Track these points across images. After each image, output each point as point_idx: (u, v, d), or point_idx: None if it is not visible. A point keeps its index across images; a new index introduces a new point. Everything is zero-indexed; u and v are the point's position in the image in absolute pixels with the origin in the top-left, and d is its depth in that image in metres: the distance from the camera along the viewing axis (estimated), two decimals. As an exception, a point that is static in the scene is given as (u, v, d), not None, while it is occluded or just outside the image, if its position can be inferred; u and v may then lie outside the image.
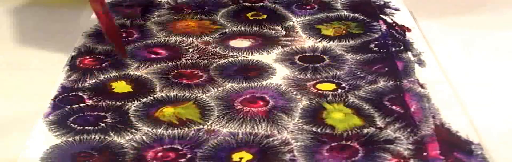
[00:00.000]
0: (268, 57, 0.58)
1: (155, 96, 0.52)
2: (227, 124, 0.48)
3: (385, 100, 0.51)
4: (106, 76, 0.55)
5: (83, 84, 0.54)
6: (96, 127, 0.48)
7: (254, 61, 0.58)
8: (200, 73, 0.56)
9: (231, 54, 0.59)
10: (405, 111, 0.49)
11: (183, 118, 0.49)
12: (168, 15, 0.67)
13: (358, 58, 0.58)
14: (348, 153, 0.45)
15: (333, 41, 0.61)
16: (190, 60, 0.58)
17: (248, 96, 0.52)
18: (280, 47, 0.60)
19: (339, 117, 0.49)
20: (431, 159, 0.44)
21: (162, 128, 0.48)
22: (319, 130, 0.47)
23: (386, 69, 0.56)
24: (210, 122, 0.49)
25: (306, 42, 0.61)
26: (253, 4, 0.70)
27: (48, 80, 0.56)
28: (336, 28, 0.64)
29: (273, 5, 0.69)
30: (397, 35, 0.62)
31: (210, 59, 0.58)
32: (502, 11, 0.70)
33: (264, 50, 0.60)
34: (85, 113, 0.50)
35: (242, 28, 0.64)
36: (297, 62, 0.58)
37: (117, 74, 0.56)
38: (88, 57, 0.59)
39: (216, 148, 0.46)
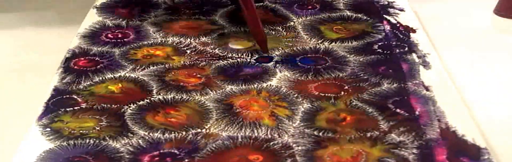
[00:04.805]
0: (268, 59, 0.57)
1: (151, 98, 0.51)
2: (226, 128, 0.47)
3: (389, 103, 0.50)
4: (101, 78, 0.54)
5: (77, 87, 0.53)
6: (90, 131, 0.47)
7: (254, 62, 0.57)
8: (199, 75, 0.55)
9: (230, 55, 0.58)
10: (410, 114, 0.48)
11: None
12: (165, 15, 0.66)
13: (361, 59, 0.57)
14: (350, 157, 0.44)
15: (336, 42, 0.60)
16: (188, 62, 0.57)
17: (247, 99, 0.51)
18: (280, 48, 0.59)
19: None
20: (437, 164, 0.43)
21: (159, 132, 0.47)
22: (320, 133, 0.46)
23: (390, 71, 0.55)
24: (208, 125, 0.48)
25: (308, 43, 0.60)
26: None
27: (41, 82, 0.55)
28: (341, 28, 0.63)
29: (274, 5, 0.69)
30: (402, 36, 0.61)
31: (209, 61, 0.57)
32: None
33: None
34: (80, 116, 0.49)
35: (242, 29, 0.64)
36: (299, 63, 0.57)
37: (112, 76, 0.55)
38: (82, 58, 0.58)
39: (214, 152, 0.45)
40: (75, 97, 0.52)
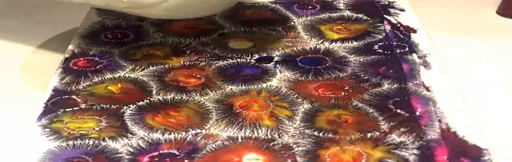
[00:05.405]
0: (268, 59, 0.57)
1: (151, 99, 0.51)
2: (226, 128, 0.47)
3: (389, 103, 0.50)
4: (100, 79, 0.54)
5: (76, 87, 0.53)
6: (90, 132, 0.47)
7: (254, 63, 0.57)
8: (198, 75, 0.55)
9: (230, 55, 0.58)
10: (411, 115, 0.48)
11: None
12: (165, 16, 0.66)
13: (361, 60, 0.57)
14: (351, 158, 0.44)
15: (336, 43, 0.60)
16: (187, 62, 0.57)
17: (247, 99, 0.51)
18: (280, 48, 0.59)
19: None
20: (438, 164, 0.43)
21: (158, 133, 0.47)
22: (321, 134, 0.46)
23: (391, 71, 0.55)
24: (208, 126, 0.47)
25: (308, 43, 0.60)
26: (253, 4, 0.69)
27: (40, 82, 0.55)
28: (342, 29, 0.63)
29: (274, 5, 0.68)
30: (402, 36, 0.61)
31: (209, 61, 0.57)
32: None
33: (264, 51, 0.59)
34: (79, 117, 0.49)
35: (242, 29, 0.63)
36: (299, 64, 0.56)
37: (111, 76, 0.54)
38: (82, 58, 0.57)
39: (214, 153, 0.44)
40: (74, 97, 0.51)
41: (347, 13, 0.66)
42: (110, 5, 0.55)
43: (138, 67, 0.56)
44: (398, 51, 0.58)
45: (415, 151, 0.44)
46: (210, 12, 0.59)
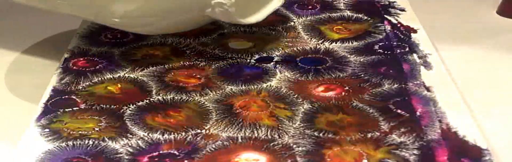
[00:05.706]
0: (268, 59, 0.57)
1: (151, 99, 0.51)
2: (226, 129, 0.47)
3: (390, 103, 0.50)
4: (100, 79, 0.54)
5: (76, 87, 0.53)
6: (90, 132, 0.47)
7: (254, 63, 0.57)
8: (198, 76, 0.54)
9: (230, 55, 0.58)
10: (411, 115, 0.48)
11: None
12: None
13: (361, 60, 0.57)
14: (351, 158, 0.43)
15: (336, 43, 0.60)
16: (187, 62, 0.57)
17: (247, 99, 0.51)
18: (280, 48, 0.59)
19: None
20: (438, 165, 0.43)
21: (158, 133, 0.47)
22: (321, 134, 0.46)
23: (391, 71, 0.54)
24: (208, 126, 0.47)
25: (308, 43, 0.60)
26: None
27: (40, 83, 0.54)
28: (342, 29, 0.63)
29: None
30: (402, 36, 0.61)
31: (209, 61, 0.57)
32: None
33: (264, 51, 0.58)
34: (79, 117, 0.48)
35: (242, 29, 0.63)
36: (299, 64, 0.56)
37: (111, 76, 0.54)
38: (81, 59, 0.57)
39: (214, 153, 0.44)
40: (74, 97, 0.51)
41: (347, 13, 0.66)
42: (101, 21, 0.55)
43: (137, 67, 0.56)
44: (398, 51, 0.58)
45: (415, 152, 0.44)
46: (202, 24, 0.59)
